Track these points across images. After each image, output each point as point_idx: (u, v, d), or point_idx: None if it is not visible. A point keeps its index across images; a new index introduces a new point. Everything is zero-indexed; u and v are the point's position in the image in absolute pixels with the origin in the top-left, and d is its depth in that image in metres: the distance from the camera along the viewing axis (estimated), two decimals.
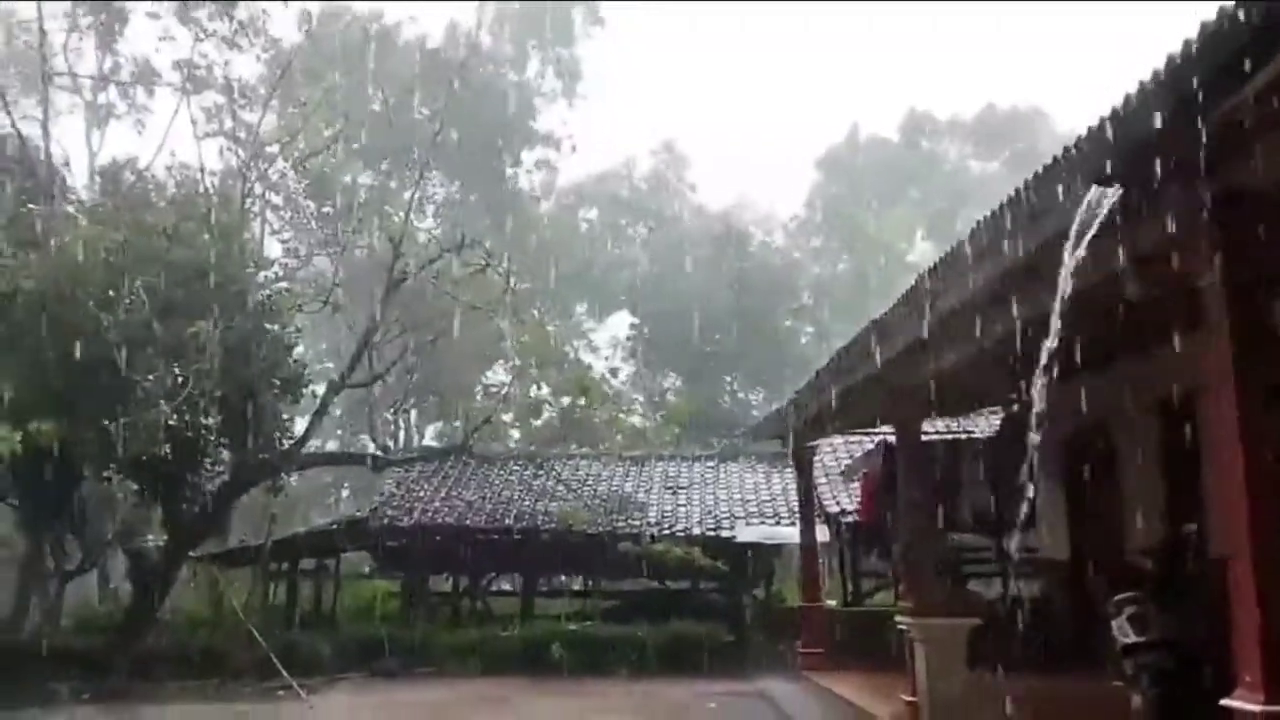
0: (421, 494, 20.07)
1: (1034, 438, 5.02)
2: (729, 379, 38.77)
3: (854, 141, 45.48)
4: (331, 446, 29.10)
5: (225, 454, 17.48)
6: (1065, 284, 4.33)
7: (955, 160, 45.74)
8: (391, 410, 26.38)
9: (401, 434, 30.55)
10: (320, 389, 19.65)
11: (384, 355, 20.54)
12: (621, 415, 22.10)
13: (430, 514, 19.15)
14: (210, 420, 16.43)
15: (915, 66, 62.40)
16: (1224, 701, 4.51)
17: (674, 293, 37.19)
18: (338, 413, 30.89)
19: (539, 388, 23.74)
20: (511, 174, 36.59)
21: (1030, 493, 11.48)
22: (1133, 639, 7.02)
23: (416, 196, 21.33)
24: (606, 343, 38.93)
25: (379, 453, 21.68)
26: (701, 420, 30.27)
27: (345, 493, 31.80)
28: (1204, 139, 3.70)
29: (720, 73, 67.25)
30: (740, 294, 36.48)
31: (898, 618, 9.19)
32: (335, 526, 20.42)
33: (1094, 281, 5.32)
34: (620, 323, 40.91)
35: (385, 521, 19.00)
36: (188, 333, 14.40)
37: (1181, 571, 7.28)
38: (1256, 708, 4.27)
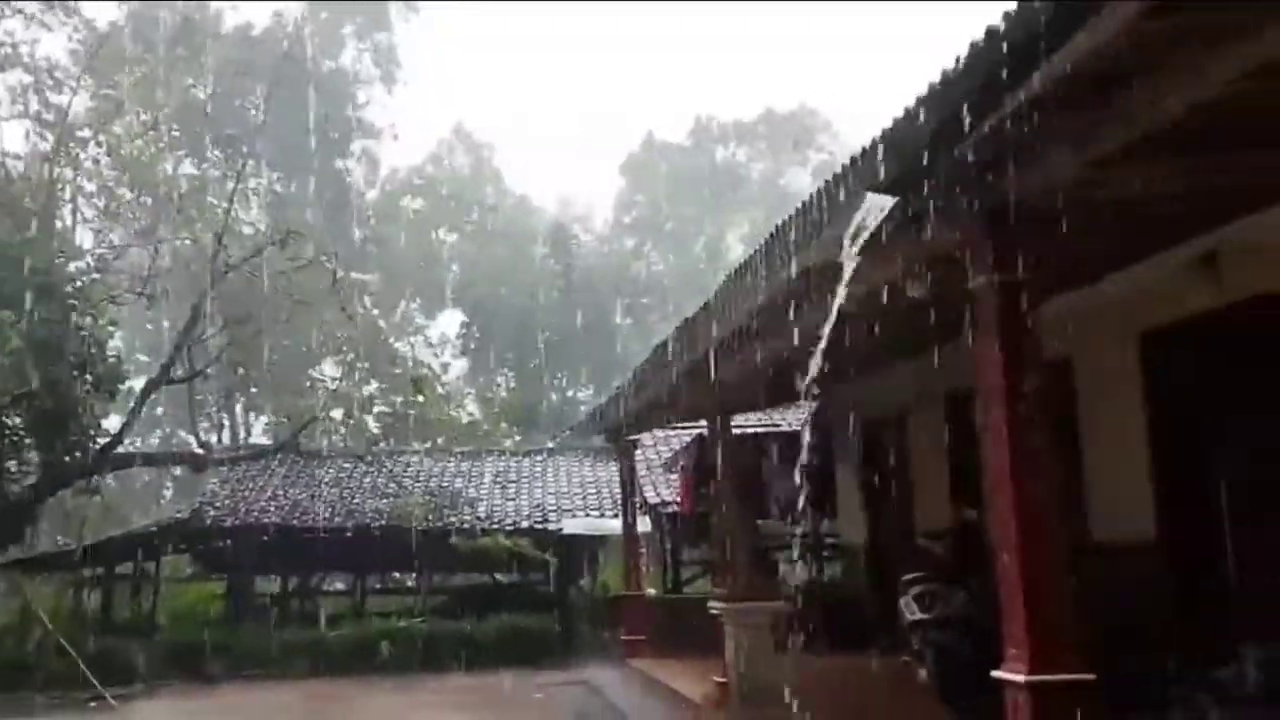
0: (247, 493, 19.08)
1: (805, 434, 4.96)
2: (559, 376, 38.71)
3: (650, 146, 45.72)
4: (154, 444, 27.39)
5: (33, 454, 16.20)
6: (842, 288, 4.39)
7: (744, 163, 46.30)
8: (216, 408, 24.96)
9: (227, 432, 28.99)
10: (139, 385, 18.42)
11: (208, 350, 19.39)
12: (453, 412, 21.56)
13: (256, 513, 18.22)
14: (15, 419, 15.20)
15: (708, 67, 62.70)
16: (994, 673, 4.67)
17: (502, 289, 36.80)
18: (159, 410, 29.08)
19: (370, 384, 22.95)
20: (339, 166, 35.16)
21: (829, 482, 11.94)
22: (919, 616, 7.31)
23: (241, 187, 20.19)
24: (438, 339, 38.05)
25: (201, 451, 20.46)
26: (532, 417, 30.08)
27: (169, 493, 29.98)
28: (971, 152, 3.81)
29: (530, 66, 66.19)
30: (568, 292, 36.46)
31: (710, 603, 9.29)
32: (154, 528, 19.18)
33: (878, 283, 5.47)
34: (451, 320, 40.24)
35: (208, 522, 18.00)
36: None
37: (965, 554, 7.60)
38: (1021, 678, 4.44)
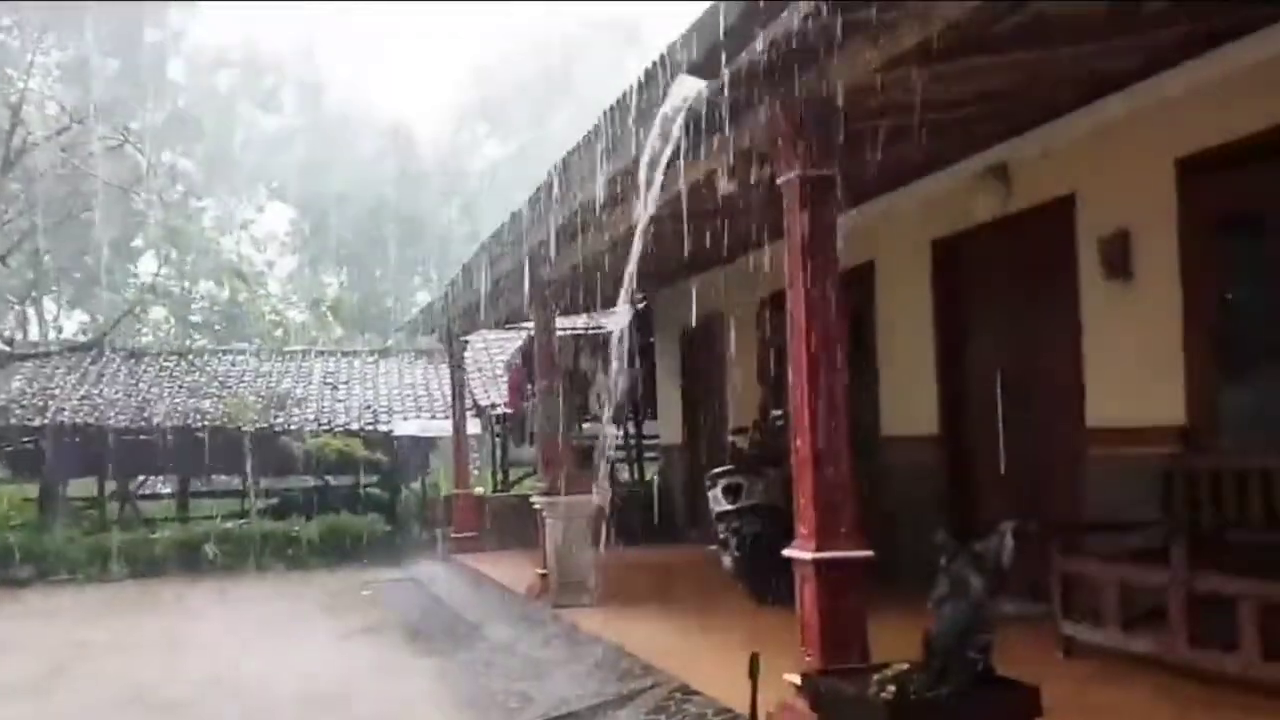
0: (57, 391, 17.68)
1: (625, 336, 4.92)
2: (392, 277, 37.30)
3: (502, 51, 43.89)
4: None
5: None
6: (655, 172, 4.27)
7: (610, 63, 44.89)
8: (21, 301, 22.76)
9: (35, 327, 26.64)
10: None
11: (9, 237, 17.58)
12: (280, 310, 20.48)
13: (68, 413, 16.94)
14: None
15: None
16: (785, 551, 4.81)
17: (334, 186, 34.76)
18: None
19: (190, 281, 21.45)
20: (152, 37, 31.74)
21: (649, 384, 12.00)
22: (725, 507, 7.48)
23: (43, 59, 18.09)
24: (264, 235, 35.67)
25: (4, 346, 18.73)
26: (364, 317, 28.95)
27: None
28: (773, 43, 3.72)
29: None
30: (402, 189, 34.90)
31: (532, 498, 9.28)
32: None
33: (693, 178, 5.38)
34: (279, 215, 37.91)
35: (13, 421, 16.61)
36: None
37: (770, 448, 7.79)
38: (808, 555, 4.59)
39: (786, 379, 4.98)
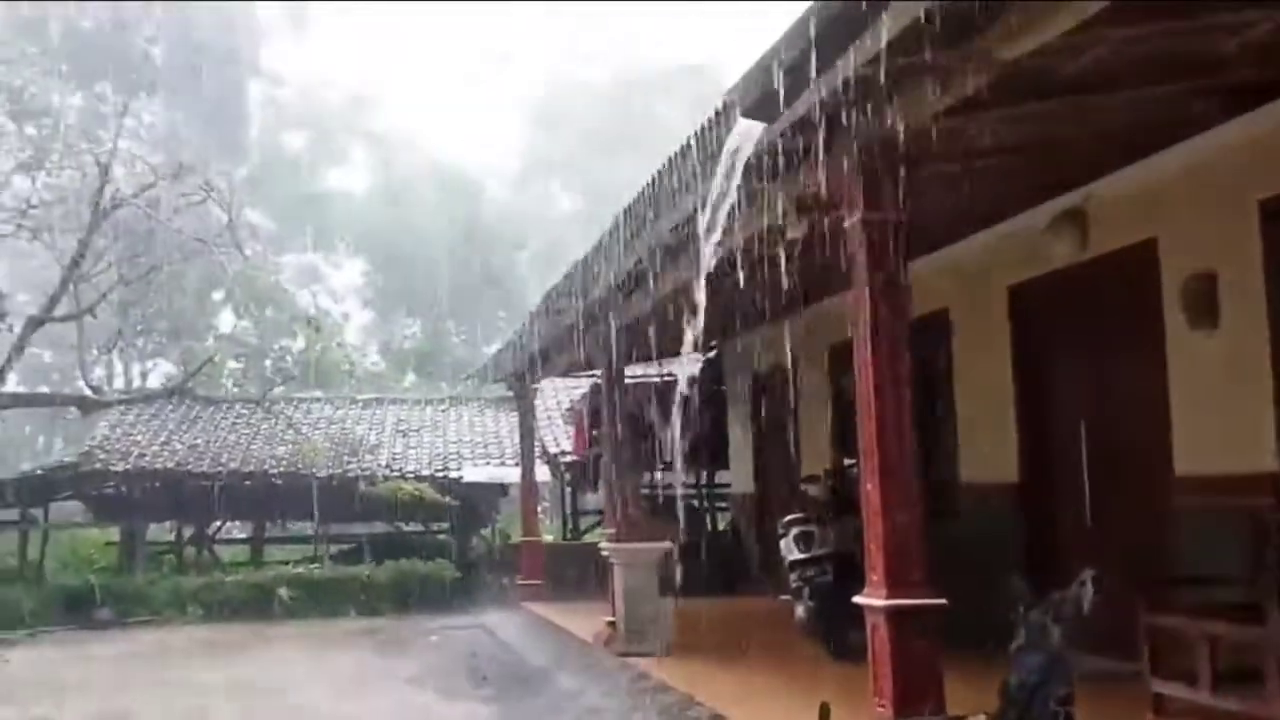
0: (139, 438, 18.39)
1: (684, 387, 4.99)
2: (463, 327, 38.05)
3: (561, 95, 44.80)
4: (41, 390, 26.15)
5: None
6: (718, 216, 4.39)
7: (659, 112, 45.32)
8: (106, 350, 23.86)
9: (119, 377, 27.83)
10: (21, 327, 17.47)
11: (97, 289, 18.52)
12: (354, 359, 21.08)
13: (149, 458, 17.61)
14: None
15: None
16: (856, 599, 4.81)
17: (406, 239, 35.85)
18: (46, 358, 27.75)
19: (267, 331, 22.24)
20: (236, 106, 33.70)
21: (720, 433, 12.01)
22: (797, 555, 7.46)
23: (131, 121, 19.21)
24: (341, 289, 37.01)
25: (90, 393, 19.59)
26: (434, 366, 29.58)
27: (59, 442, 28.72)
28: (835, 86, 3.82)
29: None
30: (472, 241, 35.73)
31: (601, 544, 9.35)
32: (41, 472, 18.39)
33: (759, 224, 5.48)
34: (353, 269, 39.15)
35: (98, 466, 17.30)
36: None
37: (842, 496, 7.77)
38: (880, 601, 4.59)
39: (857, 427, 5.02)
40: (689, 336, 5.73)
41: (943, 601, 4.60)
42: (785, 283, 7.34)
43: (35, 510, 18.46)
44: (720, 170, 4.18)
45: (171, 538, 19.76)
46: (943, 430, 7.87)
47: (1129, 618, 5.34)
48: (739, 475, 12.78)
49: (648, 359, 11.09)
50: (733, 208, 5.01)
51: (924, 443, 4.88)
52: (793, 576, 7.63)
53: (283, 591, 15.58)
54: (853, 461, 7.95)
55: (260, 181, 30.84)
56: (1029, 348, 7.37)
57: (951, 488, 7.75)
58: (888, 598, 4.59)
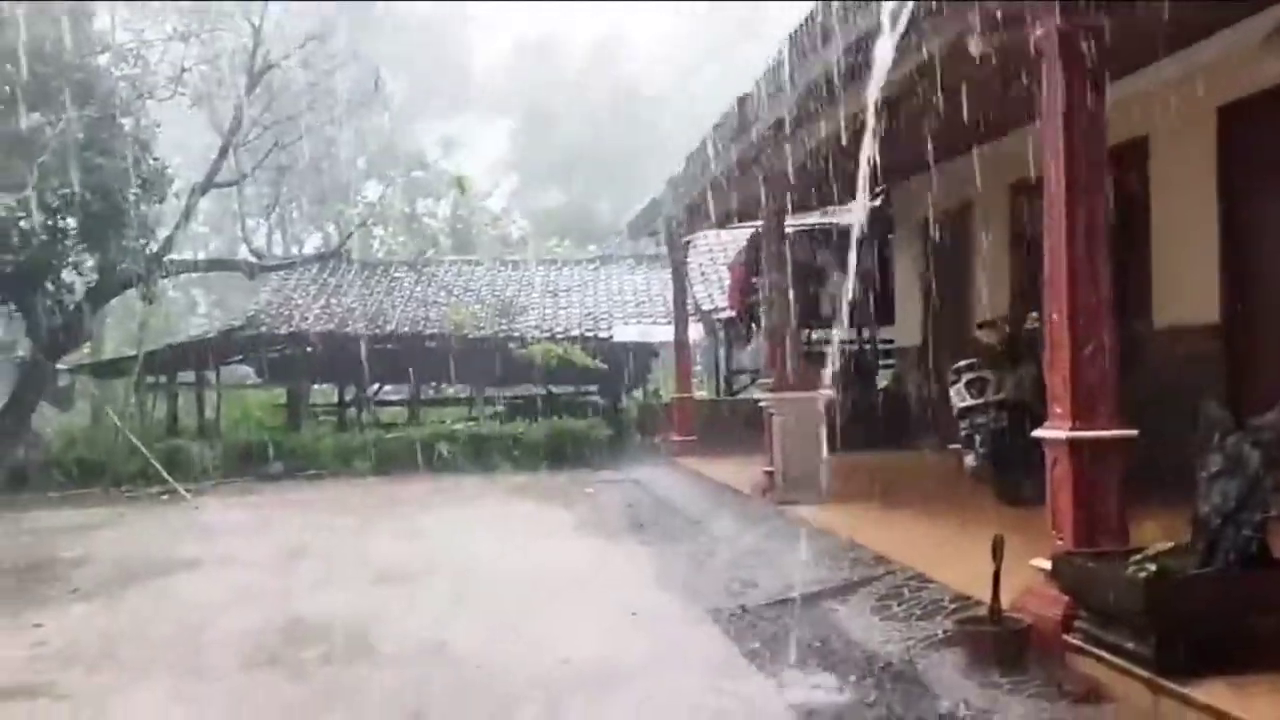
0: (299, 302, 19.67)
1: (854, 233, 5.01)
2: (610, 193, 38.24)
3: None
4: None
5: (88, 259, 16.71)
6: (894, 31, 4.30)
7: None
8: (264, 216, 25.30)
9: (278, 244, 29.55)
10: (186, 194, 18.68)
11: (255, 156, 19.57)
12: (500, 221, 21.67)
13: (310, 321, 18.83)
14: (67, 222, 15.62)
15: None
16: (1036, 433, 4.86)
17: (553, 103, 36.00)
18: (203, 228, 29.58)
19: (415, 197, 22.99)
20: None
21: (886, 282, 11.88)
22: (968, 402, 7.48)
23: None
24: (484, 154, 37.60)
25: (253, 258, 20.95)
26: (580, 231, 30.02)
27: (217, 311, 30.87)
28: None
29: None
30: (620, 102, 35.52)
31: (758, 395, 9.57)
32: (212, 336, 19.94)
33: (939, 44, 5.34)
34: (500, 134, 39.67)
35: (263, 329, 18.63)
36: (29, 124, 13.36)
37: (1017, 343, 7.68)
38: (1063, 434, 4.62)
39: (1039, 272, 4.95)
40: (863, 171, 5.68)
41: (1132, 433, 4.60)
42: (963, 115, 7.17)
43: (207, 372, 20.14)
44: None
45: (334, 399, 21.25)
46: (1134, 270, 7.61)
47: None
48: (905, 327, 12.69)
49: (811, 207, 11.05)
50: (909, 24, 4.91)
51: (1114, 282, 4.79)
52: (962, 424, 7.68)
53: (442, 447, 16.58)
54: (1031, 309, 7.85)
55: (402, 47, 31.33)
56: (1237, 176, 6.99)
57: (1143, 330, 7.55)
58: (1072, 429, 4.62)
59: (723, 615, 6.06)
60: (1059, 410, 4.73)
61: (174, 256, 18.20)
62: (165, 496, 14.41)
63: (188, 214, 17.46)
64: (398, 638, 5.89)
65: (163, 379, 19.73)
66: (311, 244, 30.06)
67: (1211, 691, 3.58)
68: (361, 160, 28.70)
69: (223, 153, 17.60)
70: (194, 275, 25.75)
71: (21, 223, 14.06)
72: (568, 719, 4.40)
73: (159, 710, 4.82)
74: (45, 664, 5.60)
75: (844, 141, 7.54)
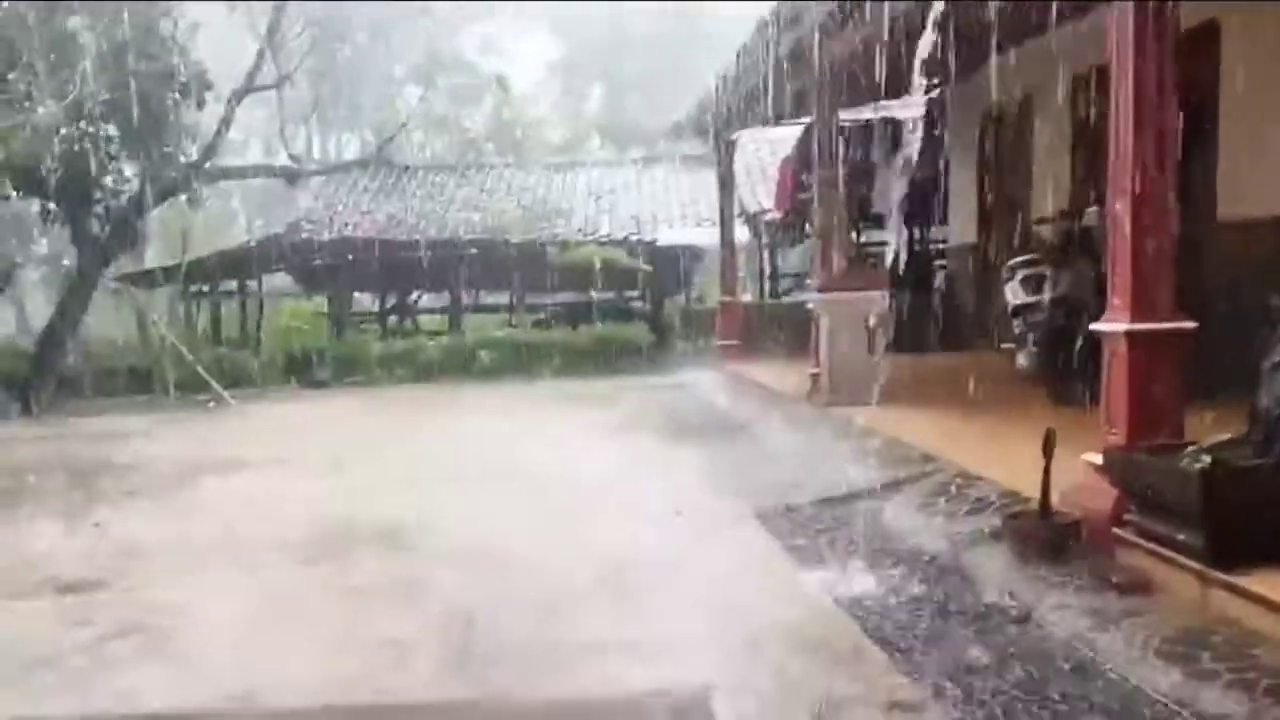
0: (340, 208, 19.75)
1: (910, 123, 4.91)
2: (653, 98, 37.57)
3: None
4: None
5: (129, 167, 16.85)
6: None
7: None
8: (304, 120, 25.24)
9: (317, 150, 29.56)
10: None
11: (291, 59, 19.45)
12: (543, 124, 21.43)
13: (351, 227, 18.92)
14: (107, 128, 15.71)
15: None
16: (1094, 326, 4.80)
17: (599, 8, 35.20)
18: (241, 136, 29.58)
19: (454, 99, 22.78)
20: None
21: (940, 179, 11.67)
22: (1024, 299, 7.39)
23: None
24: (525, 57, 36.98)
25: (293, 164, 21.00)
26: (625, 131, 29.60)
27: (259, 221, 31.08)
28: None
29: None
30: (665, 12, 34.68)
31: (805, 297, 9.51)
32: (253, 243, 20.12)
33: None
34: (542, 39, 38.95)
35: (304, 236, 18.75)
36: (68, 28, 13.36)
37: (1076, 240, 7.54)
38: (1122, 326, 4.56)
39: (1101, 166, 4.82)
40: (920, 56, 5.54)
41: (1192, 325, 4.52)
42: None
43: (249, 281, 20.41)
44: None
45: (375, 308, 21.47)
46: (1201, 161, 7.39)
47: None
48: (960, 225, 12.48)
49: (864, 101, 10.80)
50: None
51: (1179, 172, 4.66)
52: (1016, 322, 7.59)
53: (484, 354, 16.77)
54: (1091, 203, 7.69)
55: None
56: None
57: (1208, 223, 7.36)
58: (1131, 321, 4.55)
59: (768, 514, 6.15)
60: (1118, 302, 4.66)
61: (215, 163, 18.24)
62: (212, 404, 14.78)
63: (228, 120, 17.44)
64: (449, 536, 6.05)
65: (205, 288, 20.06)
66: (351, 150, 30.07)
67: (1263, 581, 3.59)
68: (401, 66, 28.49)
69: (260, 55, 17.50)
70: (234, 183, 25.87)
71: (64, 129, 14.17)
72: (614, 614, 4.51)
73: (218, 602, 5.02)
74: (105, 560, 5.84)
75: (901, 30, 7.37)
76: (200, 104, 16.60)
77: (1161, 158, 4.58)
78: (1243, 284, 6.59)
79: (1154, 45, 4.52)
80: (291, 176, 20.49)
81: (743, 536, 5.78)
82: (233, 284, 20.27)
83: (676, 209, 19.07)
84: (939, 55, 5.95)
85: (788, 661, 3.80)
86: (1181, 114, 4.67)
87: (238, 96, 17.46)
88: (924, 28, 5.74)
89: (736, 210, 14.19)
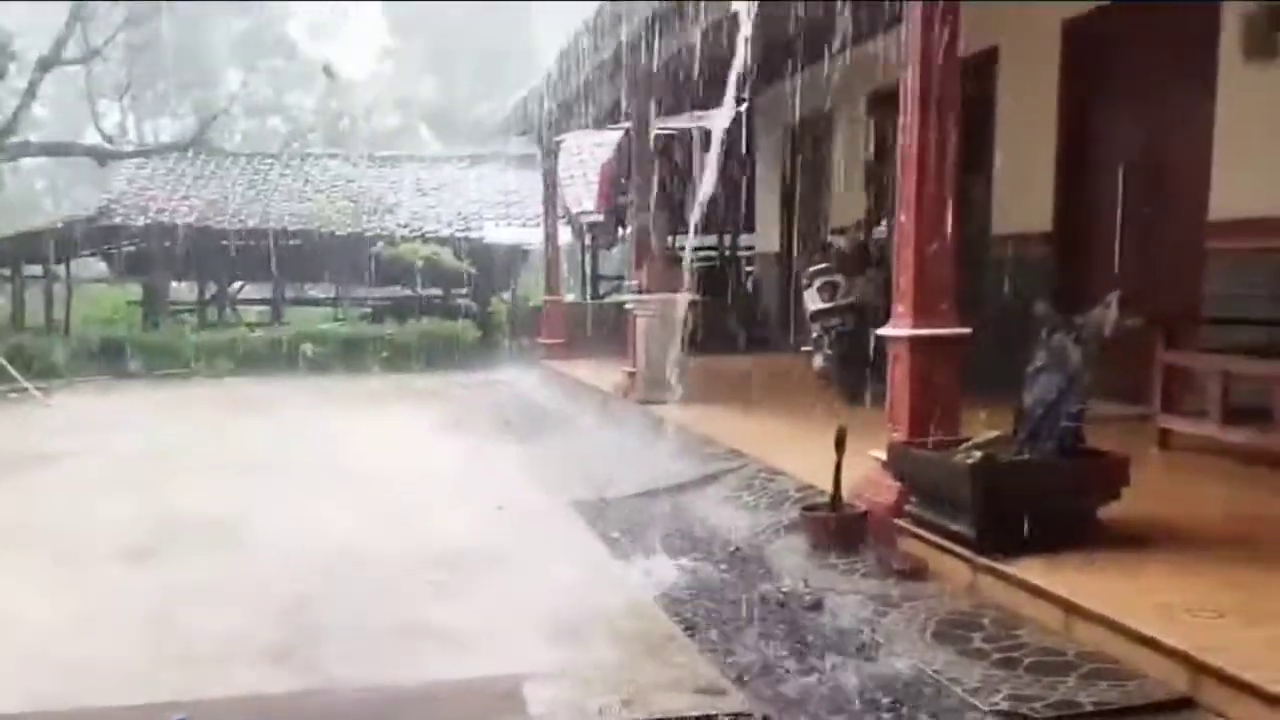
0: (156, 193, 18.49)
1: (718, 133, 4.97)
2: (484, 88, 36.93)
3: None
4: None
5: None
6: None
7: None
8: (117, 97, 23.45)
9: (131, 132, 27.56)
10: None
11: (104, 31, 18.03)
12: (371, 115, 20.76)
13: (167, 213, 17.76)
14: None
15: None
16: (881, 330, 4.99)
17: None
18: (44, 110, 27.35)
19: (278, 86, 21.80)
20: None
21: (749, 189, 11.94)
22: (820, 305, 7.65)
23: None
24: (354, 42, 35.65)
25: (106, 143, 19.53)
26: (452, 124, 28.94)
27: (66, 202, 28.81)
28: None
29: None
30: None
31: (623, 298, 9.57)
32: (60, 225, 18.59)
33: None
34: (370, 23, 37.62)
35: (117, 220, 17.49)
36: None
37: (869, 249, 7.86)
38: (905, 332, 4.76)
39: (893, 180, 5.00)
40: (733, 75, 5.62)
41: (967, 330, 4.76)
42: (824, 22, 7.14)
43: (56, 266, 18.85)
44: None
45: (193, 297, 20.26)
46: (978, 179, 7.84)
47: (1147, 368, 5.55)
48: (765, 233, 12.85)
49: (680, 110, 10.94)
50: None
51: (961, 189, 4.90)
52: (814, 326, 7.85)
53: (307, 348, 16.06)
54: (883, 217, 8.04)
55: None
56: (1076, 89, 7.23)
57: (983, 237, 7.82)
58: (913, 327, 4.76)
59: (584, 507, 6.13)
60: (901, 309, 4.86)
61: (16, 139, 16.75)
62: (14, 395, 13.58)
63: (31, 93, 16.05)
64: (267, 529, 5.75)
65: (5, 271, 18.44)
66: (169, 132, 28.20)
67: (1025, 567, 3.81)
68: (224, 48, 26.93)
69: (69, 25, 16.15)
70: (36, 161, 23.81)
71: None
72: (432, 603, 4.38)
73: (23, 599, 4.59)
74: None
75: (712, 43, 7.48)
76: (1, 74, 15.22)
77: (942, 173, 4.80)
78: (1014, 292, 7.04)
79: (939, 67, 4.73)
80: (102, 157, 19.04)
81: (561, 529, 5.74)
82: (37, 269, 18.68)
83: (503, 207, 18.83)
84: (747, 69, 6.09)
85: (601, 648, 3.78)
86: (963, 133, 4.91)
87: (43, 66, 16.07)
88: (735, 41, 5.87)
89: (560, 211, 14.11)
